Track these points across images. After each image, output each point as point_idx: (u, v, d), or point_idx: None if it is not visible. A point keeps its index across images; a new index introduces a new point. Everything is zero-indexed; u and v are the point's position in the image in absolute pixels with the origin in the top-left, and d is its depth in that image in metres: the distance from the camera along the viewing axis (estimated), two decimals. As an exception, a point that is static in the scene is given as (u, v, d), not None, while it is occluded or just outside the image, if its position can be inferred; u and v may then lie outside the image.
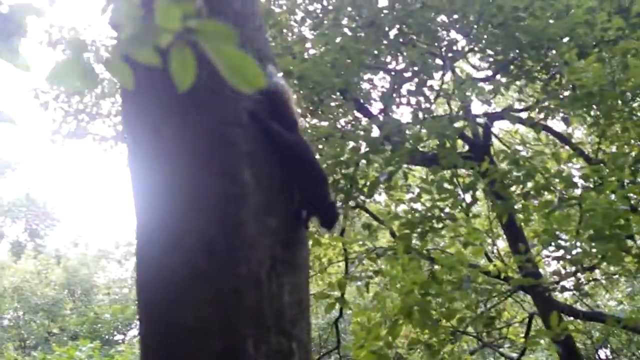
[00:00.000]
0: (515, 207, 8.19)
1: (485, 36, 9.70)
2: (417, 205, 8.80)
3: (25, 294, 27.01)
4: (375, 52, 10.41)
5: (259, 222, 3.92)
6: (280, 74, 4.42)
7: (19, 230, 28.20)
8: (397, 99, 10.72)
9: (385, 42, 9.94)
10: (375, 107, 11.29)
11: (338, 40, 10.07)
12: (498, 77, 10.32)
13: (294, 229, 4.11)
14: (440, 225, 8.16)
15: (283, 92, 4.28)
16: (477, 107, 13.33)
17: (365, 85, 11.02)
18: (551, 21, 9.22)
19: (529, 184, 8.07)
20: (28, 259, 28.75)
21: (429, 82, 10.45)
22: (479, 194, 8.70)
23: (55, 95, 15.39)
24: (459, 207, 8.10)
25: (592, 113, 9.09)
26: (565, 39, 9.17)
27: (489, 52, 10.33)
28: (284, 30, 11.58)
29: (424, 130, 9.00)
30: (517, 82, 10.45)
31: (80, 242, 33.43)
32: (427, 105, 10.29)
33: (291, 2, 11.61)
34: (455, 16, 9.67)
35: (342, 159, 9.11)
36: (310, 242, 9.68)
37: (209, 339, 3.68)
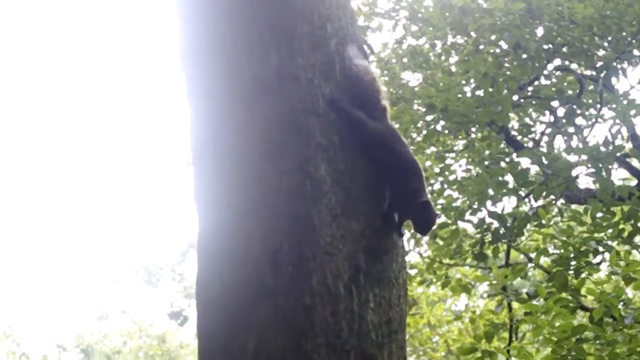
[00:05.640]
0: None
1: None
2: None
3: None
4: (525, 77, 9.66)
5: (338, 226, 3.29)
6: (365, 56, 3.78)
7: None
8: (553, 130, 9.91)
9: (534, 64, 9.16)
10: (533, 138, 10.49)
11: (480, 67, 9.37)
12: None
13: (383, 234, 3.43)
14: (598, 259, 7.28)
15: (366, 74, 3.63)
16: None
17: (516, 116, 10.27)
18: None
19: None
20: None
21: (584, 111, 9.60)
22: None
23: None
24: (619, 239, 7.21)
25: None
26: None
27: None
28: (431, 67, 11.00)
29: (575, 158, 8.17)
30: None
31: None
32: (581, 135, 9.42)
33: (434, 34, 11.02)
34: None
35: (488, 194, 8.36)
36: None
37: (273, 368, 3.06)
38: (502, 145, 10.10)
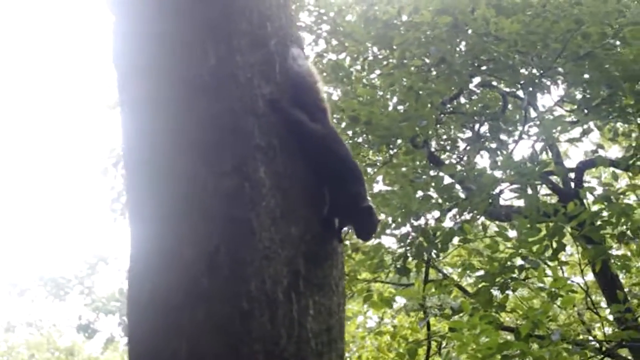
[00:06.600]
0: (611, 251, 7.33)
1: (570, 70, 8.91)
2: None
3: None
4: (449, 92, 9.74)
5: (277, 230, 3.22)
6: (306, 57, 3.73)
7: (113, 326, 28.08)
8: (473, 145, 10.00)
9: (456, 79, 9.20)
10: (450, 156, 10.59)
11: (405, 81, 9.40)
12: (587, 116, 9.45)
13: (323, 240, 3.37)
14: (523, 275, 7.31)
15: (309, 75, 3.58)
16: (571, 153, 12.73)
17: (435, 133, 10.33)
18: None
19: (623, 225, 7.20)
20: (115, 350, 28.41)
21: (508, 127, 9.71)
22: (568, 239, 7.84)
23: (115, 161, 14.85)
24: (543, 256, 7.26)
25: None
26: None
27: (576, 90, 9.57)
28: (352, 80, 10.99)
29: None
30: (610, 123, 9.65)
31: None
32: (505, 151, 9.52)
33: (356, 48, 11.02)
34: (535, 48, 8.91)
35: (412, 209, 8.36)
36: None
37: (206, 375, 2.97)
38: (424, 162, 10.13)
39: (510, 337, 7.45)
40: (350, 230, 3.57)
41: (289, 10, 3.88)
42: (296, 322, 3.11)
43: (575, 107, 10.13)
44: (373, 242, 8.78)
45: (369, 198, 3.52)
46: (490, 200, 8.32)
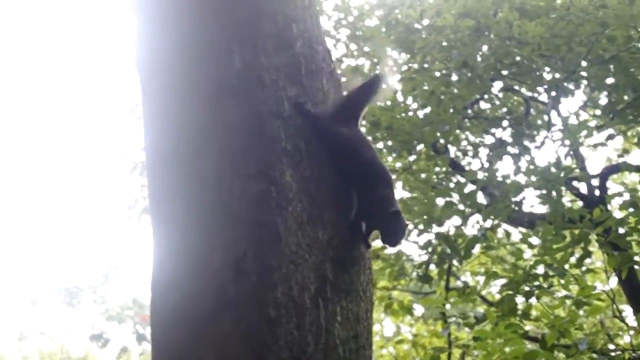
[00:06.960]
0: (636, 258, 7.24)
1: (594, 74, 8.87)
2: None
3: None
4: (472, 97, 9.70)
5: (304, 234, 3.19)
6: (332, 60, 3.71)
7: (126, 335, 28.13)
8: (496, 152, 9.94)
9: (478, 83, 9.15)
10: (469, 162, 10.56)
11: (426, 86, 9.36)
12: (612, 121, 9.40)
13: (350, 245, 3.33)
14: (547, 283, 7.24)
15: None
16: (591, 159, 12.68)
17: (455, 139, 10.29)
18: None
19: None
20: (128, 360, 28.42)
21: (531, 132, 9.67)
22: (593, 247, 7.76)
23: (132, 167, 14.82)
24: (569, 263, 7.19)
25: None
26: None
27: (600, 94, 9.53)
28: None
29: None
30: (637, 128, 9.60)
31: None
32: (529, 156, 9.48)
33: (377, 52, 11.01)
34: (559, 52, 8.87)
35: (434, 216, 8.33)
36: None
37: (233, 384, 2.94)
38: (445, 168, 10.10)
39: (532, 346, 7.36)
40: (371, 237, 3.52)
41: (314, 11, 3.86)
42: (323, 329, 3.07)
43: (599, 111, 10.07)
44: (393, 249, 8.73)
45: (397, 202, 3.47)
46: (516, 208, 8.27)
